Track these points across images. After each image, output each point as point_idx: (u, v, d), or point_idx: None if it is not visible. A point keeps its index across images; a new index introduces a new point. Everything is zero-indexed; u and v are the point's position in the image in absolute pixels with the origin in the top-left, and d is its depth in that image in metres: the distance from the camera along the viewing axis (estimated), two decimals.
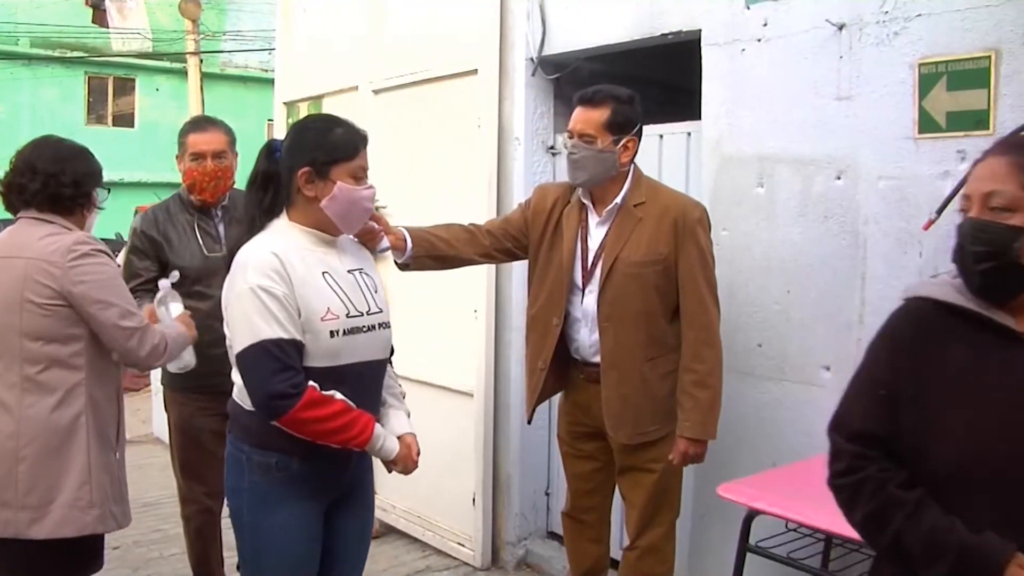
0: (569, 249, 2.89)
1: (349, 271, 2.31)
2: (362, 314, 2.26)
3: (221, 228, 3.37)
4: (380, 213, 2.71)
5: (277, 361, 2.10)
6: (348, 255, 2.36)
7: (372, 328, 2.29)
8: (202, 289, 3.25)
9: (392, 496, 4.43)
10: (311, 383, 2.15)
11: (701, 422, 2.78)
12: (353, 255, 2.39)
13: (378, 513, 4.47)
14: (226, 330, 2.23)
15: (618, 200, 2.84)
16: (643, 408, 2.85)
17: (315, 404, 2.14)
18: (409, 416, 2.51)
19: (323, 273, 2.22)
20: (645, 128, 3.42)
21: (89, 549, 2.60)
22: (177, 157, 3.41)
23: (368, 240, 2.60)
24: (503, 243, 3.02)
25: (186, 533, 3.59)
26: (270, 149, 2.30)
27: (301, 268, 2.17)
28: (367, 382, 2.34)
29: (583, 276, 2.88)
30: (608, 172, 2.81)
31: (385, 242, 2.72)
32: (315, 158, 2.22)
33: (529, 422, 3.20)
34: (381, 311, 2.34)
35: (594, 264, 2.86)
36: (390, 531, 4.41)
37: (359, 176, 2.27)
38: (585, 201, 2.91)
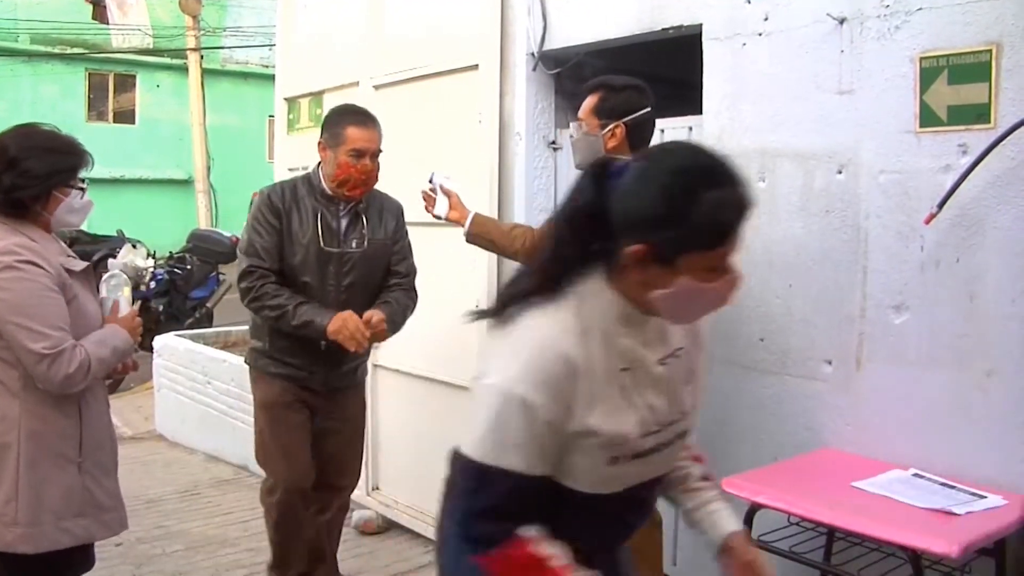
0: None
1: (662, 361, 1.62)
2: (662, 428, 1.62)
3: (344, 223, 3.33)
4: (451, 189, 3.22)
5: (494, 498, 1.53)
6: (667, 332, 1.65)
7: (669, 443, 1.65)
8: (309, 281, 3.24)
9: (395, 492, 4.44)
10: (531, 535, 1.55)
11: None
12: (673, 330, 1.66)
13: (381, 509, 4.48)
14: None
15: None
16: None
17: (513, 567, 1.54)
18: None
19: (622, 371, 1.56)
20: None
21: (67, 555, 2.50)
22: (321, 144, 3.30)
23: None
24: None
25: (267, 523, 3.51)
26: (604, 173, 1.55)
27: (599, 372, 1.53)
28: (641, 498, 1.72)
29: None
30: (596, 155, 2.87)
31: (440, 210, 3.23)
32: (665, 237, 1.46)
33: None
34: (687, 414, 1.68)
35: None
36: (393, 527, 4.42)
37: (717, 268, 1.53)
38: None
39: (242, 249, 3.29)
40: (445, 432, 4.10)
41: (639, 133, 2.91)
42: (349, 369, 3.44)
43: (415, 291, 3.49)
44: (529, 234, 3.31)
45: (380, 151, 3.31)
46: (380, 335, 3.27)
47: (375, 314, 3.24)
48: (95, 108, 21.69)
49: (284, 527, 3.44)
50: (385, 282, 3.44)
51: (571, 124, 3.02)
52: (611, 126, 2.88)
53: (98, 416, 2.60)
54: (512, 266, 3.93)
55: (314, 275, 3.25)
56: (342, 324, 3.15)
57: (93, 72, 21.50)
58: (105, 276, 2.70)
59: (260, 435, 3.45)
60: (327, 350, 3.25)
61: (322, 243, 3.25)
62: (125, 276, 2.75)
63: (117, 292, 2.68)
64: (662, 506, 3.02)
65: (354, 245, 3.32)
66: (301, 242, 3.24)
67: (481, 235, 3.33)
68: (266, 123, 21.20)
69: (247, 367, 3.52)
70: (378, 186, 3.43)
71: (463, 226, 3.33)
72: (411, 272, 3.50)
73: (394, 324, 3.34)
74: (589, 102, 2.95)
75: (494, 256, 3.91)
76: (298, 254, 3.23)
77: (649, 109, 2.92)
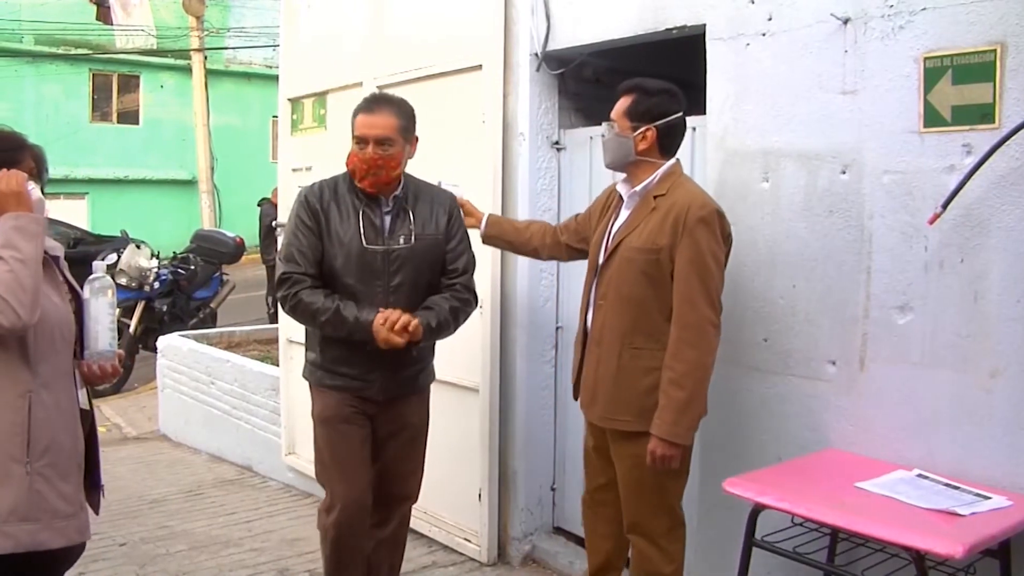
0: (600, 231, 3.04)
1: None
2: None
3: (388, 220, 3.09)
4: (460, 195, 3.36)
5: None
6: None
7: None
8: (353, 284, 3.04)
9: None
10: None
11: (671, 423, 2.73)
12: None
13: None
14: None
15: (637, 188, 2.93)
16: (617, 394, 2.88)
17: None
18: None
19: None
20: None
21: (23, 558, 2.35)
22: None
23: None
24: (566, 239, 3.31)
25: (322, 543, 3.25)
26: None
27: None
28: None
29: (604, 256, 2.98)
30: (626, 157, 2.94)
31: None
32: None
33: (575, 398, 3.18)
34: None
35: (611, 245, 2.98)
36: None
37: None
38: (620, 188, 3.03)
39: (280, 255, 3.12)
40: (450, 433, 4.11)
41: (669, 137, 2.94)
42: (410, 375, 3.20)
43: (472, 292, 3.24)
44: (548, 230, 3.37)
45: (387, 138, 3.03)
46: (414, 335, 3.00)
47: (407, 318, 2.99)
48: (99, 109, 21.72)
49: (341, 550, 3.16)
50: (438, 282, 3.19)
51: (603, 124, 3.02)
52: (642, 129, 2.90)
53: (56, 415, 2.40)
54: (515, 264, 3.93)
55: (358, 277, 3.04)
56: (379, 325, 2.95)
57: (97, 73, 21.53)
58: (89, 278, 2.54)
59: (319, 452, 3.21)
60: (380, 353, 3.02)
61: (364, 241, 3.03)
62: (109, 279, 2.58)
63: (101, 295, 2.52)
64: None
65: (401, 242, 3.08)
66: (342, 241, 3.03)
67: (498, 236, 3.41)
68: (269, 123, 21.21)
69: (305, 381, 3.30)
70: None
71: (479, 229, 3.40)
72: (468, 270, 3.23)
73: (434, 330, 3.09)
74: (622, 104, 2.95)
75: (497, 258, 3.92)
76: (339, 255, 3.03)
77: (681, 114, 2.95)
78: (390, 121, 3.05)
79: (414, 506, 3.63)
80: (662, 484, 2.89)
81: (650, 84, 2.95)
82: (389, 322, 2.96)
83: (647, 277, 2.82)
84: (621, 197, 3.02)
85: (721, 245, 2.81)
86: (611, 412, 2.91)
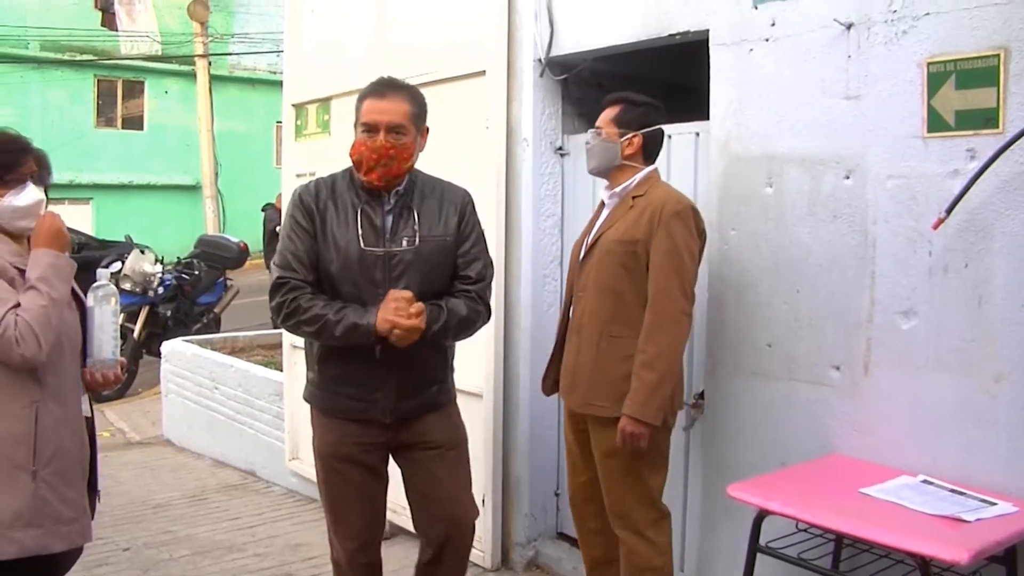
0: (584, 231, 3.22)
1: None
2: None
3: (389, 220, 2.79)
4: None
5: None
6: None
7: None
8: (351, 291, 2.74)
9: (402, 498, 4.43)
10: None
11: (641, 403, 2.84)
12: None
13: (388, 515, 4.47)
14: None
15: (617, 189, 3.09)
16: (595, 380, 3.00)
17: None
18: None
19: None
20: None
21: (25, 563, 2.38)
22: (355, 126, 2.82)
23: None
24: None
25: None
26: None
27: None
28: None
29: (585, 250, 3.13)
30: (612, 162, 3.08)
31: None
32: None
33: (546, 391, 3.34)
34: None
35: (592, 241, 3.12)
36: (400, 532, 4.41)
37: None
38: (603, 193, 3.18)
39: (274, 261, 2.83)
40: None
41: (652, 145, 3.10)
42: (419, 390, 2.86)
43: (486, 304, 2.92)
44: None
45: (402, 125, 2.73)
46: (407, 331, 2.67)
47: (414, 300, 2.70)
48: (104, 114, 21.75)
49: None
50: (449, 291, 2.86)
51: (589, 131, 3.13)
52: (629, 135, 3.06)
53: (62, 422, 2.44)
54: (519, 267, 3.93)
55: (356, 283, 2.74)
56: (393, 310, 2.66)
57: (102, 78, 21.58)
58: (93, 286, 2.56)
59: (319, 487, 3.00)
60: (386, 366, 2.76)
61: (362, 243, 2.74)
62: (113, 287, 2.60)
63: (105, 303, 2.54)
64: (669, 502, 3.04)
65: (404, 244, 2.77)
66: (339, 245, 2.74)
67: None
68: (273, 129, 21.27)
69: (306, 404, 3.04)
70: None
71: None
72: (483, 278, 2.90)
73: (435, 331, 2.76)
74: (609, 112, 3.11)
75: (500, 262, 3.92)
76: (335, 260, 2.74)
77: (661, 126, 3.13)
78: (403, 107, 2.76)
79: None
80: (641, 474, 2.97)
81: (636, 96, 3.12)
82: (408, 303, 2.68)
83: (625, 268, 2.96)
84: (603, 203, 3.16)
85: (696, 239, 2.95)
86: (589, 398, 3.02)
